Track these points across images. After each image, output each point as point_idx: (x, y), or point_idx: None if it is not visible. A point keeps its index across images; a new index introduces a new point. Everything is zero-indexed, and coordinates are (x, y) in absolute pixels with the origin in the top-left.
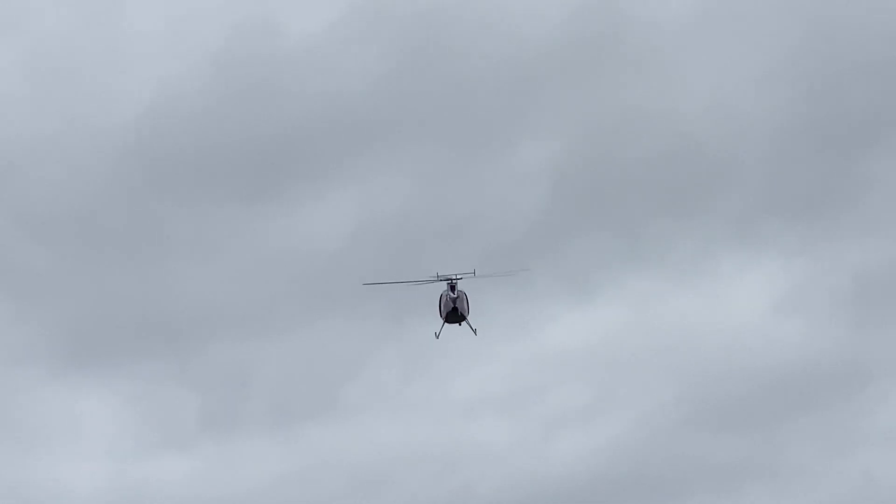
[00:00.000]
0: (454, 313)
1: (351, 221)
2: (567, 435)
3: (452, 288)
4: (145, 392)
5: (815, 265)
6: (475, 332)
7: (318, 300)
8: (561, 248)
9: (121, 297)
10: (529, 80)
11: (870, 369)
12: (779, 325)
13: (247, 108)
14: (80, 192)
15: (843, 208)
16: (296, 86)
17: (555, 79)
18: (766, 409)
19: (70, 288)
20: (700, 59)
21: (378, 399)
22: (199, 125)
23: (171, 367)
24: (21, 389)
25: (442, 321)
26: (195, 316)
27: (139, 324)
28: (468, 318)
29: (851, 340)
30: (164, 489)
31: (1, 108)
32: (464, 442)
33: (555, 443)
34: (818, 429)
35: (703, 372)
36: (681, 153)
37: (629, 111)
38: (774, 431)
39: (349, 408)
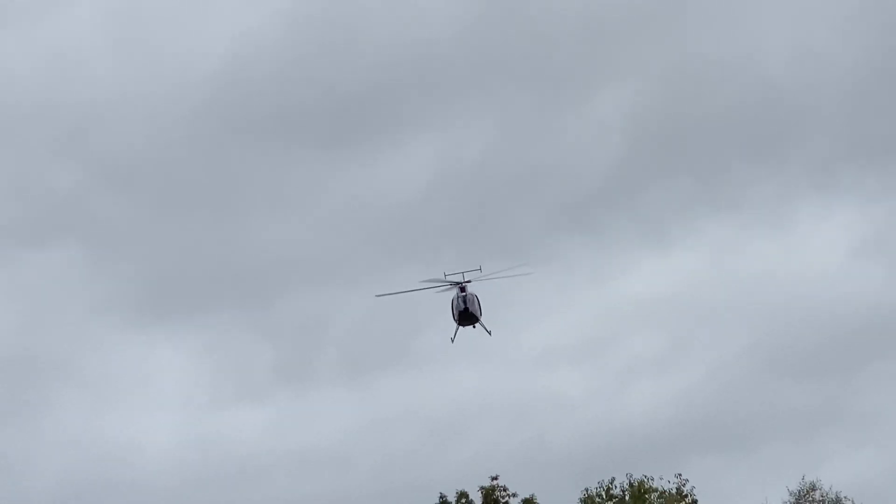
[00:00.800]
0: (466, 315)
1: (429, 170)
2: (642, 383)
3: (463, 290)
4: (220, 343)
5: (894, 211)
6: (490, 333)
7: (395, 250)
8: (638, 195)
9: (198, 249)
10: (608, 28)
11: None
12: (856, 270)
13: (325, 57)
14: (159, 144)
15: None
16: (376, 35)
17: (634, 27)
18: (843, 356)
19: (148, 239)
20: (779, 4)
21: (452, 349)
22: (278, 76)
23: (247, 317)
24: (98, 341)
25: (456, 325)
26: (271, 266)
27: (215, 275)
28: (481, 319)
29: None
30: (239, 440)
31: (82, 63)
32: (538, 391)
33: (630, 392)
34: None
35: (779, 318)
36: (759, 99)
37: (707, 58)
38: (851, 378)
39: (423, 358)
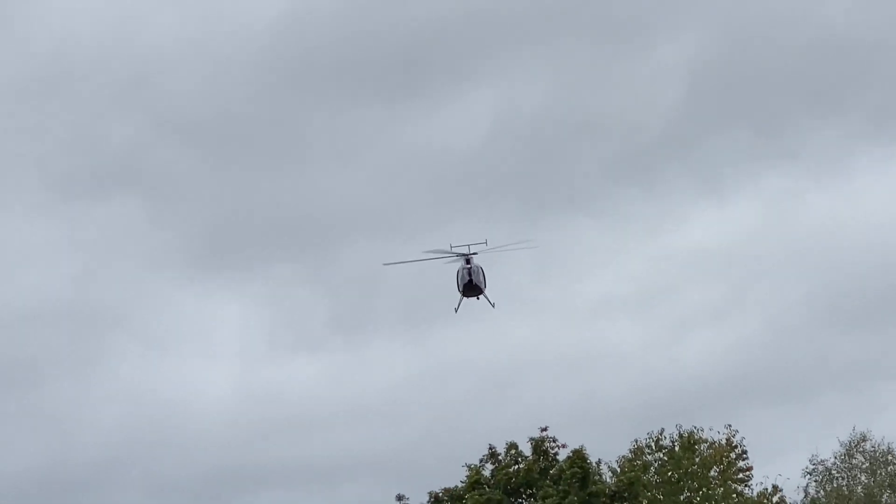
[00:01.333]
0: (470, 286)
1: (488, 121)
2: (697, 335)
3: (468, 262)
4: (277, 294)
5: None
6: (493, 305)
7: (453, 201)
8: (695, 146)
9: (257, 200)
10: None
11: None
12: None
13: (387, 6)
14: (220, 94)
15: None
16: None
17: None
18: None
19: (207, 191)
20: None
21: (508, 299)
22: (337, 25)
23: (304, 268)
24: (155, 293)
25: (460, 296)
26: (330, 217)
27: (274, 226)
28: (485, 291)
29: None
30: (294, 391)
31: (143, 12)
32: (593, 342)
33: (684, 343)
34: None
35: (836, 269)
36: (819, 48)
37: (768, 5)
38: None
39: (478, 309)
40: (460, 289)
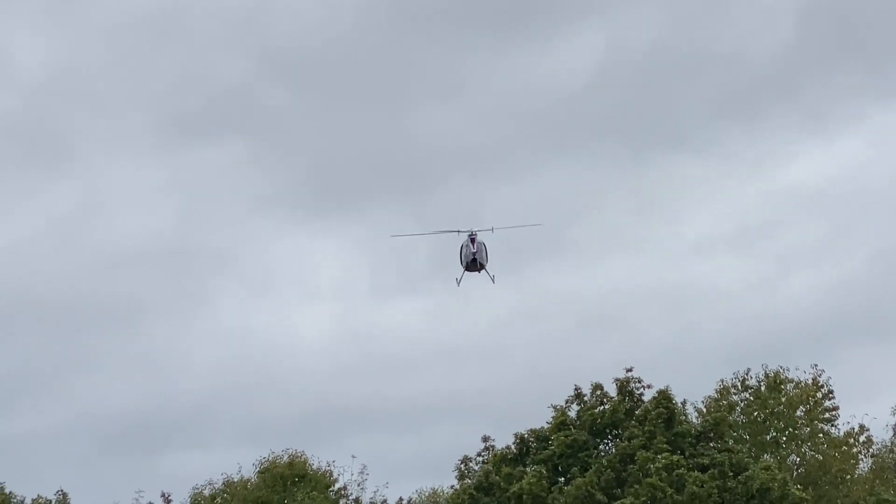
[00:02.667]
0: (474, 263)
1: (596, 57)
2: (800, 272)
3: (472, 240)
4: (378, 235)
5: None
6: (493, 281)
7: (559, 138)
8: (802, 83)
9: (362, 140)
10: None
11: None
12: None
13: None
14: (328, 33)
15: None
16: None
17: None
18: None
19: (312, 132)
20: None
21: (610, 238)
22: None
23: (406, 209)
24: (258, 234)
25: (463, 270)
26: (434, 157)
27: (377, 166)
28: (486, 266)
29: None
30: (394, 332)
31: None
32: (693, 280)
33: (788, 280)
34: None
35: None
36: None
37: None
38: None
39: (580, 247)
40: (463, 264)
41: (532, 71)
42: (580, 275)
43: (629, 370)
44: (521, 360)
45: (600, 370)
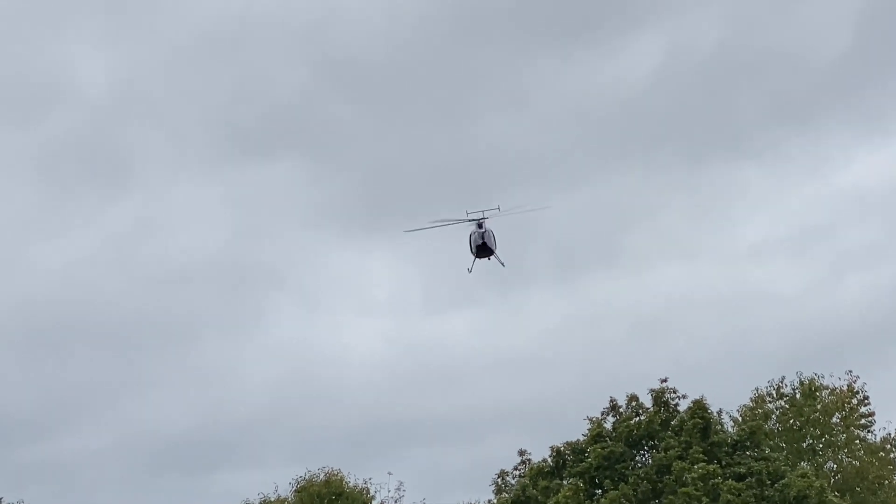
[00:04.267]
0: (483, 248)
1: (657, 61)
2: (856, 275)
3: (480, 226)
4: (433, 248)
5: None
6: (503, 265)
7: (618, 145)
8: (859, 87)
9: (421, 152)
10: None
11: None
12: None
13: None
14: (390, 41)
15: None
16: None
17: None
18: None
19: (372, 144)
20: None
21: (665, 244)
22: None
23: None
24: (313, 249)
25: (473, 256)
26: (491, 168)
27: (435, 178)
28: (496, 252)
29: None
30: (449, 344)
31: None
32: (750, 285)
33: (843, 283)
34: None
35: None
36: None
37: None
38: None
39: (637, 253)
40: (473, 250)
41: (592, 77)
42: (634, 282)
43: (664, 381)
44: (574, 369)
45: (652, 378)
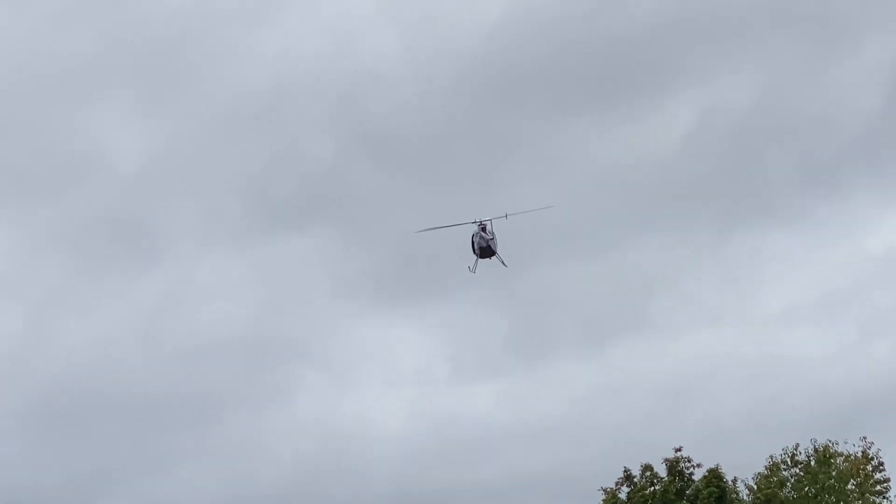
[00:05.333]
0: (487, 249)
1: (684, 130)
2: (884, 340)
3: (484, 228)
4: (458, 319)
5: None
6: (505, 265)
7: (646, 212)
8: (891, 149)
9: (448, 219)
10: None
11: None
12: None
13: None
14: (420, 113)
15: None
16: None
17: None
18: None
19: (399, 214)
20: None
21: (692, 311)
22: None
23: (487, 292)
24: (338, 323)
25: (476, 257)
26: (520, 237)
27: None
28: (497, 252)
29: None
30: (475, 415)
31: (351, 28)
32: (778, 351)
33: (871, 348)
34: None
35: None
36: None
37: None
38: None
39: (664, 320)
40: (476, 252)
41: (622, 142)
42: (660, 349)
43: (678, 450)
44: (597, 438)
45: (675, 446)
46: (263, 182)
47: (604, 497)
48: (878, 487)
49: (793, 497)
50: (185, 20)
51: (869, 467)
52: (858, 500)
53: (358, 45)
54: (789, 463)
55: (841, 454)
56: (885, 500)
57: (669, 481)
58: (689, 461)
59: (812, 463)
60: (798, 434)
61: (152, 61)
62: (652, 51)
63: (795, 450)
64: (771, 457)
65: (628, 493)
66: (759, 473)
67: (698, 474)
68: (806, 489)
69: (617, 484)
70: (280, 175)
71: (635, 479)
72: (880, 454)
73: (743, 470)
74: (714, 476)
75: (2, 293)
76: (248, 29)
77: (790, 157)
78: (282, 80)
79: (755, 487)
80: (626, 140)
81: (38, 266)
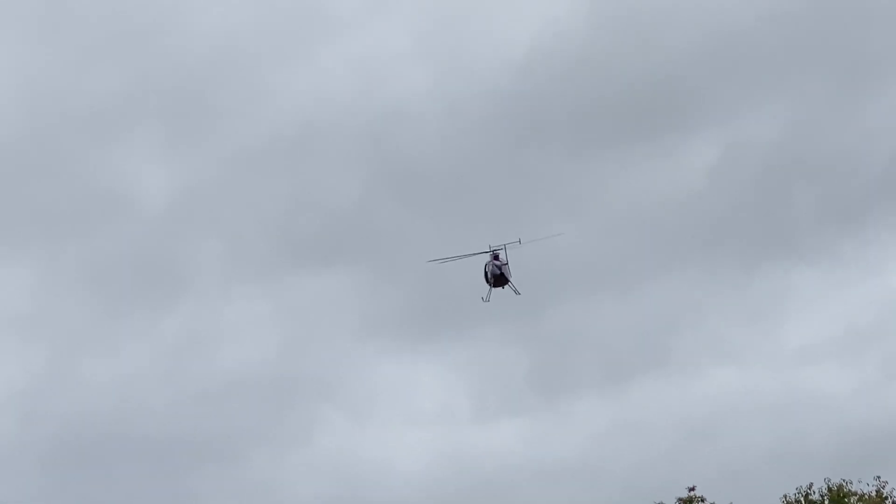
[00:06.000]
0: (500, 277)
1: (709, 166)
2: None
3: (496, 256)
4: (480, 358)
5: None
6: (518, 293)
7: (670, 250)
8: None
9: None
10: None
11: None
12: None
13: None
14: (446, 146)
15: None
16: (667, 25)
17: None
18: None
19: (423, 249)
20: None
21: (715, 348)
22: (569, 72)
23: (510, 330)
24: (360, 362)
25: (489, 287)
26: (543, 275)
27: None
28: (511, 280)
29: None
30: (496, 454)
31: (384, 63)
32: (800, 389)
33: (893, 386)
34: None
35: None
36: None
37: None
38: None
39: (685, 357)
40: (489, 281)
41: (647, 179)
42: (682, 386)
43: (692, 489)
44: (616, 477)
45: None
46: (289, 220)
47: None
48: None
49: None
50: (213, 57)
51: None
52: None
53: (386, 82)
54: (803, 502)
55: (855, 493)
56: None
57: None
58: (702, 500)
59: (826, 502)
60: (815, 472)
61: (181, 98)
62: (677, 88)
63: (809, 489)
64: (784, 496)
65: None
66: None
67: None
68: None
69: None
70: (305, 213)
71: None
72: (895, 493)
73: None
74: None
75: (25, 331)
76: (277, 66)
77: (815, 194)
78: (309, 118)
79: None
80: (651, 176)
81: (62, 304)
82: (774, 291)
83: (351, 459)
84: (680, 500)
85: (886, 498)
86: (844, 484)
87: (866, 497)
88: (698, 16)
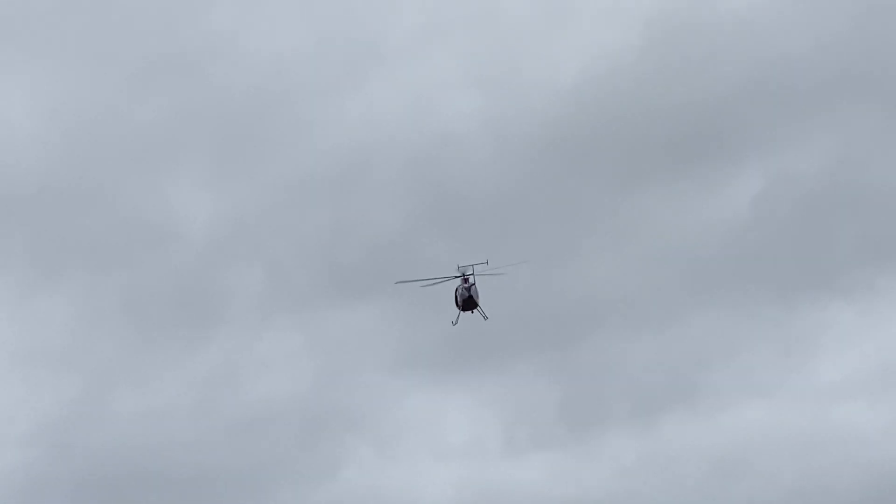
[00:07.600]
0: (469, 301)
1: (752, 199)
2: None
3: (465, 280)
4: (511, 391)
5: None
6: (486, 318)
7: (705, 285)
8: None
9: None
10: None
11: None
12: None
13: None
14: (491, 174)
15: None
16: (719, 51)
17: None
18: None
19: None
20: None
21: (747, 383)
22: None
23: (546, 362)
24: (389, 395)
25: (458, 310)
26: (578, 310)
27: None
28: (479, 305)
29: None
30: (525, 489)
31: (435, 93)
32: (832, 425)
33: None
34: None
35: None
36: None
37: None
38: None
39: (717, 392)
40: (459, 305)
41: (690, 210)
42: (712, 421)
43: None
44: None
45: None
46: (331, 251)
47: None
48: None
49: None
50: (262, 86)
51: None
52: None
53: (436, 110)
54: None
55: None
56: None
57: None
58: None
59: None
60: None
61: (228, 127)
62: (724, 118)
63: None
64: None
65: None
66: None
67: None
68: None
69: None
70: (348, 244)
71: None
72: None
73: None
74: None
75: (62, 362)
76: (325, 95)
77: (856, 229)
78: (358, 146)
79: None
80: (695, 206)
81: (99, 335)
82: (810, 327)
83: (378, 493)
84: None
85: None
86: None
87: None
88: (747, 48)
